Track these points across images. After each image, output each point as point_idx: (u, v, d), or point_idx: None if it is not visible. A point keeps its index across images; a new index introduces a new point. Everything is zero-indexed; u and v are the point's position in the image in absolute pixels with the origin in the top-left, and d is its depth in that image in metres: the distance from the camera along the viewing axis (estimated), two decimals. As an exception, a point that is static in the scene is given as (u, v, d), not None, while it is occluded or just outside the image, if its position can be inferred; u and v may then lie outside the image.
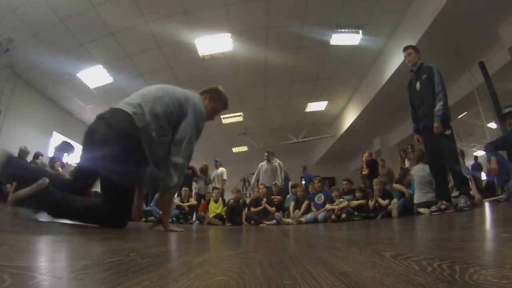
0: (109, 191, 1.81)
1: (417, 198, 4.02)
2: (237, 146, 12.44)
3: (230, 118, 9.79)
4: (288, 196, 6.00)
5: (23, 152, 5.54)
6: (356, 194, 5.11)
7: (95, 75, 7.03)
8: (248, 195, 10.22)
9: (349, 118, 9.48)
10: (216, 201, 6.15)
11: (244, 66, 7.17)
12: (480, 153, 10.51)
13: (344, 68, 7.48)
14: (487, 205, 3.40)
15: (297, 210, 5.32)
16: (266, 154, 6.99)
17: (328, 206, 5.09)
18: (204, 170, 7.12)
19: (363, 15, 5.74)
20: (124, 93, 2.06)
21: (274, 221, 5.13)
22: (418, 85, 3.31)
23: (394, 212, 4.23)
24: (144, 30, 5.76)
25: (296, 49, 6.69)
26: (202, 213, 6.19)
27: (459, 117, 7.88)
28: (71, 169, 6.01)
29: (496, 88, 5.48)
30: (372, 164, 6.93)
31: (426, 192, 3.93)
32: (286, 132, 10.44)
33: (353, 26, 6.10)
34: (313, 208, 5.35)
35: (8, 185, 4.90)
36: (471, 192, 3.02)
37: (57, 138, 7.76)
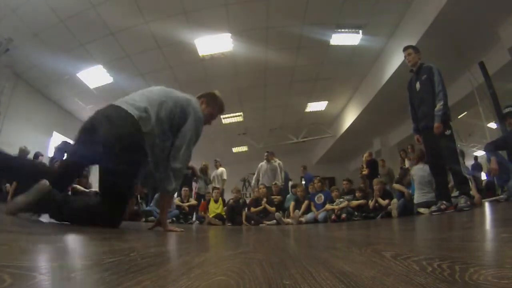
0: (109, 191, 1.82)
1: (417, 198, 4.02)
2: (237, 146, 12.44)
3: (230, 118, 9.79)
4: (288, 196, 6.00)
5: (23, 152, 5.54)
6: (356, 194, 5.11)
7: (95, 75, 7.03)
8: (248, 195, 10.22)
9: (349, 118, 9.47)
10: (216, 201, 6.15)
11: (244, 66, 7.18)
12: (480, 153, 10.51)
13: (344, 68, 7.48)
14: (487, 205, 3.41)
15: (297, 210, 5.32)
16: (265, 154, 6.99)
17: (328, 206, 5.09)
18: (204, 170, 7.12)
19: (363, 15, 5.74)
20: (124, 93, 2.04)
21: (274, 221, 5.13)
22: (418, 85, 3.31)
23: (394, 212, 4.23)
24: (144, 30, 5.76)
25: (296, 49, 6.69)
26: (202, 213, 6.19)
27: (459, 117, 7.88)
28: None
29: (496, 88, 5.48)
30: (372, 164, 6.93)
31: (426, 192, 3.93)
32: (286, 132, 10.44)
33: (353, 26, 6.10)
34: (313, 208, 5.35)
35: (7, 185, 4.92)
36: (471, 192, 3.02)
37: (57, 138, 7.77)
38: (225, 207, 6.03)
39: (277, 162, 6.98)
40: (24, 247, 0.73)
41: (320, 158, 13.27)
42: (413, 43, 4.18)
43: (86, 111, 8.20)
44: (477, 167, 8.06)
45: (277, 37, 6.26)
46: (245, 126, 10.26)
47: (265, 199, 5.66)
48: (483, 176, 7.80)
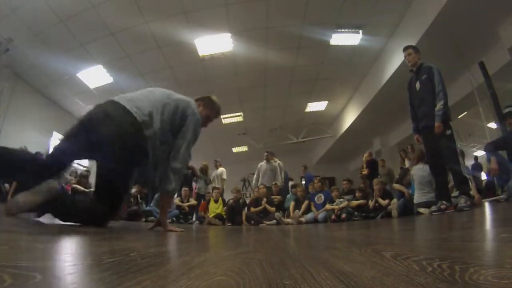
0: (104, 190, 1.82)
1: (417, 198, 4.02)
2: (237, 146, 12.44)
3: (230, 118, 9.78)
4: (288, 196, 6.00)
5: (23, 152, 5.53)
6: (356, 194, 5.11)
7: (95, 75, 7.03)
8: (248, 195, 10.22)
9: (349, 118, 9.47)
10: (216, 201, 6.15)
11: (244, 66, 7.17)
12: (480, 153, 10.50)
13: (344, 68, 7.48)
14: (487, 205, 3.41)
15: (297, 210, 5.32)
16: (265, 154, 6.98)
17: (328, 206, 5.09)
18: (204, 170, 7.12)
19: (363, 15, 5.74)
20: (124, 94, 2.04)
21: (274, 221, 5.13)
22: (418, 85, 3.31)
23: (394, 212, 4.23)
24: (144, 30, 5.76)
25: (296, 49, 6.69)
26: (202, 213, 6.19)
27: (459, 117, 7.88)
28: (71, 169, 6.00)
29: (496, 88, 5.48)
30: (372, 164, 6.93)
31: (426, 192, 3.93)
32: (286, 132, 10.44)
33: (353, 26, 6.09)
34: (313, 208, 5.35)
35: (7, 185, 4.91)
36: (471, 192, 3.02)
37: (57, 138, 7.77)
38: (225, 207, 6.03)
39: (277, 162, 6.98)
40: (24, 247, 0.73)
41: (320, 158, 13.27)
42: (413, 43, 4.18)
43: (86, 111, 8.20)
44: (477, 167, 8.05)
45: (277, 37, 6.26)
46: (245, 126, 10.26)
47: (265, 199, 5.66)
48: (483, 176, 7.79)
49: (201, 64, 6.96)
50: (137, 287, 0.40)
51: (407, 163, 6.19)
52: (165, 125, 1.87)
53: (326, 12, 5.70)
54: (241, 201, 6.30)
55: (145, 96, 1.95)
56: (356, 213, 4.80)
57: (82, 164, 7.58)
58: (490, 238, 0.99)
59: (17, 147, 5.49)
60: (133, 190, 5.43)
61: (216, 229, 3.58)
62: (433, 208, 3.15)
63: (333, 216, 4.88)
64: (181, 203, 6.11)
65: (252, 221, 5.38)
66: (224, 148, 12.09)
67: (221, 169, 7.37)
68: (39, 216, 1.77)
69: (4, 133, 6.29)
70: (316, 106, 9.60)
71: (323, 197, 5.38)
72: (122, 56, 6.47)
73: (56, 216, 1.75)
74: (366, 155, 7.11)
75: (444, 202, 3.06)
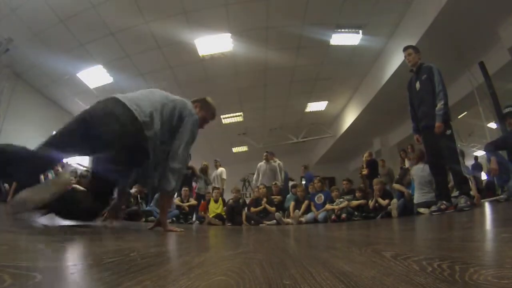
0: (101, 189, 1.83)
1: (417, 198, 4.02)
2: (237, 146, 12.43)
3: (230, 118, 9.78)
4: (288, 196, 6.00)
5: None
6: (356, 194, 5.11)
7: (95, 75, 7.03)
8: (248, 195, 10.22)
9: (349, 118, 9.47)
10: (216, 201, 6.15)
11: (244, 66, 7.17)
12: (480, 153, 10.50)
13: (344, 68, 7.48)
14: (487, 205, 3.41)
15: (297, 210, 5.32)
16: (264, 154, 6.98)
17: (328, 206, 5.09)
18: (204, 170, 7.12)
19: (363, 15, 5.74)
20: (124, 93, 2.04)
21: (274, 221, 5.13)
22: (418, 85, 3.31)
23: (394, 212, 4.23)
24: (144, 30, 5.76)
25: (296, 49, 6.69)
26: (202, 213, 6.19)
27: (459, 117, 7.88)
28: (71, 169, 6.02)
29: (496, 88, 5.48)
30: (372, 164, 6.93)
31: (426, 192, 3.93)
32: (286, 132, 10.44)
33: (353, 26, 6.09)
34: (313, 208, 5.34)
35: (6, 185, 4.91)
36: (471, 192, 3.02)
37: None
38: (225, 207, 6.03)
39: (277, 162, 6.98)
40: (24, 247, 0.73)
41: (320, 158, 13.26)
42: (413, 43, 4.18)
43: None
44: (477, 167, 8.06)
45: (277, 37, 6.26)
46: (245, 126, 10.26)
47: (265, 199, 5.66)
48: (483, 176, 7.79)
49: (201, 64, 6.96)
50: (137, 287, 0.40)
51: (407, 163, 6.19)
52: (164, 125, 1.89)
53: (326, 12, 5.70)
54: (241, 201, 6.29)
55: (145, 96, 1.96)
56: (356, 213, 4.79)
57: (82, 164, 7.59)
58: (490, 238, 0.99)
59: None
60: (133, 190, 5.43)
61: (216, 229, 3.58)
62: (433, 208, 3.15)
63: (333, 216, 4.88)
64: (181, 203, 6.11)
65: (252, 221, 5.37)
66: (224, 148, 12.09)
67: (221, 169, 7.37)
68: (45, 214, 1.74)
69: (4, 133, 6.29)
70: (316, 106, 9.60)
71: (323, 197, 5.38)
72: (122, 56, 6.47)
73: (57, 214, 1.74)
74: (366, 155, 7.11)
75: (444, 202, 3.06)
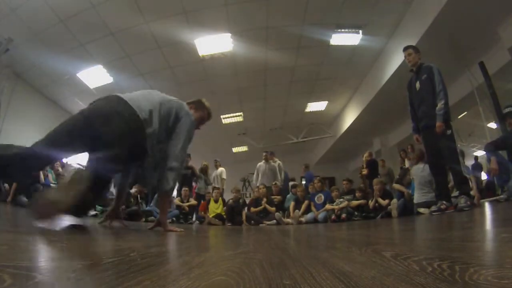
0: (96, 184, 1.83)
1: (417, 198, 4.02)
2: (237, 146, 12.44)
3: (230, 118, 9.78)
4: (288, 196, 6.00)
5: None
6: (356, 194, 5.11)
7: (95, 75, 7.03)
8: (248, 195, 10.22)
9: (349, 118, 9.47)
10: (216, 201, 6.15)
11: (244, 66, 7.17)
12: (480, 153, 10.51)
13: (344, 68, 7.48)
14: (487, 205, 3.41)
15: (297, 210, 5.32)
16: (264, 154, 6.98)
17: (328, 206, 5.09)
18: (204, 170, 7.12)
19: (363, 15, 5.74)
20: (124, 93, 2.05)
21: (274, 221, 5.13)
22: (418, 85, 3.31)
23: (394, 212, 4.23)
24: (144, 30, 5.75)
25: (296, 49, 6.69)
26: (202, 213, 6.19)
27: (459, 117, 7.88)
28: (71, 169, 6.00)
29: (496, 88, 5.48)
30: (372, 164, 6.93)
31: (426, 192, 3.93)
32: (286, 132, 10.44)
33: (353, 26, 6.09)
34: (313, 208, 5.34)
35: (6, 185, 4.91)
36: (471, 192, 3.02)
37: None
38: (225, 207, 6.03)
39: (277, 162, 6.98)
40: (24, 247, 0.73)
41: (320, 158, 13.27)
42: (413, 43, 4.17)
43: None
44: (477, 167, 8.06)
45: (277, 37, 6.26)
46: (245, 126, 10.26)
47: (265, 199, 5.66)
48: (483, 176, 7.80)
49: (201, 64, 6.96)
50: (137, 287, 0.40)
51: (407, 163, 6.19)
52: (162, 124, 1.91)
53: (326, 12, 5.70)
54: (241, 201, 6.29)
55: (143, 96, 1.97)
56: (356, 213, 4.80)
57: (82, 164, 7.58)
58: (490, 238, 0.99)
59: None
60: (133, 190, 5.43)
61: (216, 229, 3.58)
62: (433, 208, 3.15)
63: (333, 216, 4.88)
64: (181, 203, 6.11)
65: (252, 221, 5.37)
66: (224, 148, 12.09)
67: (220, 169, 7.37)
68: (78, 215, 1.68)
69: (4, 133, 6.29)
70: (316, 106, 9.60)
71: (323, 197, 5.38)
72: (122, 56, 6.47)
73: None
74: (366, 155, 7.11)
75: (444, 202, 3.06)
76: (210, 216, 5.87)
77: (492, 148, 3.82)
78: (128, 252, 0.78)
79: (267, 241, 1.51)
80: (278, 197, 5.91)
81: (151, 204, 5.63)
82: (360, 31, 6.19)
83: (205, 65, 6.99)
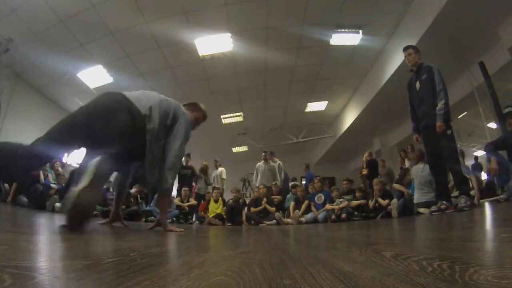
0: None
1: (417, 198, 4.02)
2: (237, 146, 12.44)
3: (230, 118, 9.78)
4: (288, 196, 6.00)
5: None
6: (356, 194, 5.11)
7: (95, 75, 7.03)
8: (248, 195, 10.22)
9: (349, 118, 9.47)
10: (216, 201, 6.15)
11: (244, 66, 7.17)
12: (480, 153, 10.51)
13: (344, 68, 7.48)
14: (487, 205, 3.41)
15: (297, 210, 5.32)
16: (263, 154, 6.98)
17: (328, 206, 5.09)
18: (204, 170, 7.12)
19: (363, 15, 5.74)
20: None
21: (274, 221, 5.13)
22: (418, 84, 3.31)
23: (394, 212, 4.23)
24: (144, 30, 5.75)
25: (296, 49, 6.69)
26: (202, 213, 6.19)
27: (459, 117, 7.88)
28: (71, 169, 6.02)
29: (496, 88, 5.48)
30: (372, 164, 6.93)
31: (426, 192, 3.93)
32: (286, 132, 10.44)
33: (353, 26, 6.09)
34: (313, 208, 5.34)
35: (6, 185, 4.92)
36: (472, 192, 3.02)
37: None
38: (225, 207, 6.03)
39: (277, 162, 6.98)
40: (24, 247, 0.73)
41: (320, 158, 13.27)
42: (413, 43, 4.18)
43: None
44: (477, 167, 8.06)
45: (277, 37, 6.26)
46: (245, 126, 10.26)
47: (265, 199, 5.66)
48: (483, 176, 7.80)
49: (201, 64, 6.96)
50: (137, 287, 0.40)
51: (407, 163, 6.19)
52: (161, 122, 1.92)
53: (326, 12, 5.70)
54: (241, 201, 6.29)
55: (143, 95, 1.99)
56: (356, 213, 4.79)
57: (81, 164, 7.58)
58: (490, 238, 0.99)
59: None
60: (133, 190, 5.43)
61: (216, 229, 3.58)
62: (433, 208, 3.15)
63: (333, 216, 4.88)
64: (181, 203, 6.11)
65: (252, 221, 5.37)
66: (224, 148, 12.09)
67: (220, 169, 7.37)
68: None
69: (4, 133, 6.29)
70: (316, 106, 9.60)
71: (323, 197, 5.38)
72: (122, 56, 6.47)
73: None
74: (366, 155, 7.11)
75: (444, 202, 3.06)
76: (210, 216, 5.87)
77: (492, 148, 3.82)
78: (128, 252, 0.78)
79: (267, 241, 1.51)
80: (278, 197, 5.90)
81: (151, 204, 5.63)
82: (360, 31, 6.19)
83: (205, 65, 6.99)
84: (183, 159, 5.66)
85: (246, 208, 5.92)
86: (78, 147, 1.82)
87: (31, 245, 0.81)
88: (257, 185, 6.46)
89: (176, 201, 6.06)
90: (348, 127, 9.58)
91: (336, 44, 6.51)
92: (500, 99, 5.38)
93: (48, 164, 5.48)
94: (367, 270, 0.52)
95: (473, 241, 0.92)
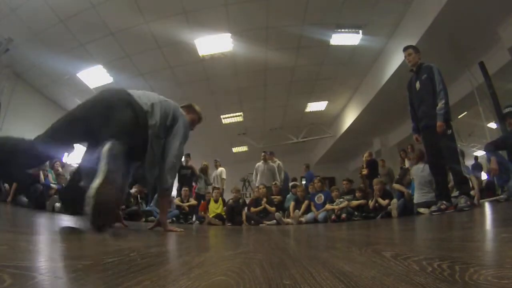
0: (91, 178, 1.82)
1: (417, 198, 4.02)
2: (237, 146, 12.44)
3: (230, 118, 9.78)
4: (288, 196, 6.00)
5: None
6: (356, 194, 5.11)
7: (95, 75, 7.03)
8: (248, 195, 10.22)
9: (349, 118, 9.47)
10: (216, 201, 6.15)
11: (244, 66, 7.17)
12: (480, 153, 10.51)
13: (344, 68, 7.48)
14: (487, 205, 3.41)
15: (297, 210, 5.32)
16: (262, 154, 6.98)
17: (328, 206, 5.09)
18: (204, 170, 7.12)
19: (363, 15, 5.74)
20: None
21: (274, 221, 5.13)
22: (418, 84, 3.31)
23: (394, 212, 4.23)
24: (144, 30, 5.76)
25: (296, 49, 6.69)
26: (202, 213, 6.19)
27: (459, 117, 7.88)
28: (71, 169, 6.01)
29: (496, 88, 5.48)
30: (372, 164, 6.93)
31: (426, 192, 3.92)
32: (286, 132, 10.44)
33: (353, 26, 6.09)
34: (313, 208, 5.34)
35: (6, 185, 4.92)
36: (472, 192, 3.02)
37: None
38: (225, 207, 6.03)
39: (276, 162, 6.98)
40: (24, 247, 0.73)
41: (320, 158, 13.27)
42: (413, 43, 4.17)
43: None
44: (477, 167, 8.06)
45: (277, 37, 6.26)
46: (245, 126, 10.26)
47: (265, 199, 5.66)
48: (483, 176, 7.80)
49: (201, 64, 6.96)
50: (137, 287, 0.40)
51: (407, 163, 6.19)
52: (162, 121, 1.93)
53: (326, 12, 5.70)
54: (241, 201, 6.29)
55: (144, 94, 2.00)
56: (356, 213, 4.79)
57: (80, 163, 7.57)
58: (490, 238, 0.99)
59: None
60: (133, 190, 5.42)
61: (216, 229, 3.58)
62: (433, 208, 3.15)
63: (333, 216, 4.88)
64: (181, 203, 6.11)
65: (252, 221, 5.37)
66: (224, 148, 12.09)
67: (220, 169, 7.37)
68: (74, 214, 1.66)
69: (4, 133, 6.29)
70: (316, 106, 9.61)
71: (323, 197, 5.38)
72: (122, 56, 6.47)
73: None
74: (366, 155, 7.11)
75: (444, 202, 3.06)
76: (210, 216, 5.87)
77: (492, 148, 3.82)
78: (128, 252, 0.78)
79: (267, 241, 1.51)
80: (278, 197, 5.90)
81: (151, 204, 5.63)
82: (360, 31, 6.19)
83: (205, 65, 6.99)
84: (183, 159, 5.66)
85: (246, 208, 5.92)
86: (79, 142, 1.83)
87: (31, 245, 0.81)
88: (256, 185, 6.46)
89: (176, 201, 6.06)
90: (348, 127, 9.58)
91: (336, 44, 6.51)
92: (500, 99, 5.38)
93: (48, 164, 5.48)
94: (367, 270, 0.52)
95: (473, 241, 0.92)
